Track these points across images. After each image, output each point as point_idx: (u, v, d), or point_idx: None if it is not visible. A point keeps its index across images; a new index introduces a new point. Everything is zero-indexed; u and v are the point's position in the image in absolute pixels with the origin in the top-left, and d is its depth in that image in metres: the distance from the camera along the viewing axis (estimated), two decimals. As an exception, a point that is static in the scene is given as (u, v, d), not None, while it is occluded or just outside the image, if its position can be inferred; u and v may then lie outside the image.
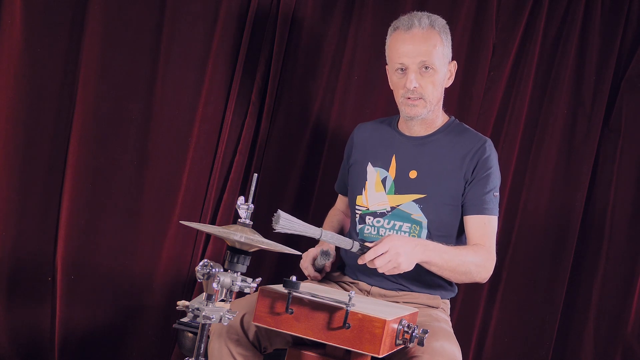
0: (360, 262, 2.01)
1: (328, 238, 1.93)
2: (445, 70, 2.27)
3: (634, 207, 2.80)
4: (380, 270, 2.00)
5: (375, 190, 2.30)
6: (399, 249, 1.98)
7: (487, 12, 2.82)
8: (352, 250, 2.00)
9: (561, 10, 2.82)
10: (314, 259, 2.28)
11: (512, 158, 2.82)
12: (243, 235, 1.63)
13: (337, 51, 2.88)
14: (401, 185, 2.27)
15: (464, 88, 2.84)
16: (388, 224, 2.27)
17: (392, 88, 2.33)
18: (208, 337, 1.89)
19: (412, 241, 2.07)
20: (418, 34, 2.21)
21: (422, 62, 2.21)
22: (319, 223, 2.53)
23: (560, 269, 2.81)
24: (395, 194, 2.27)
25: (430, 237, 2.23)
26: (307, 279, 2.31)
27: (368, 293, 2.27)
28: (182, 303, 1.67)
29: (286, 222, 1.76)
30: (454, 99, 2.78)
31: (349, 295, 1.73)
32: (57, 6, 2.73)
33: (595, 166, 2.83)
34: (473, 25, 2.83)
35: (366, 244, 2.03)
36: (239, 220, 1.69)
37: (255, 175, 1.79)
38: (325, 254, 2.26)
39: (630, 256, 2.79)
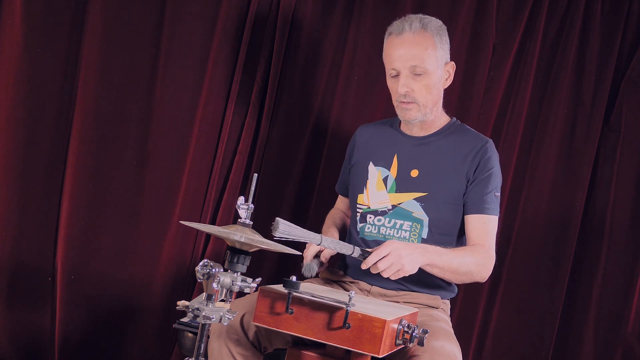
0: (363, 267, 2.02)
1: (328, 244, 1.93)
2: (440, 73, 2.27)
3: (634, 207, 2.80)
4: (384, 274, 2.01)
5: (377, 189, 2.31)
6: (400, 250, 2.00)
7: (487, 12, 2.81)
8: (353, 255, 2.01)
9: (561, 10, 2.82)
10: (315, 256, 2.22)
11: (512, 158, 2.82)
12: (243, 235, 1.63)
13: (337, 51, 2.88)
14: (402, 184, 2.28)
15: (464, 88, 2.84)
16: (389, 222, 2.28)
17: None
18: (208, 337, 1.89)
19: (411, 245, 2.11)
20: (408, 38, 2.21)
21: (412, 67, 2.21)
22: (319, 223, 2.55)
23: (560, 269, 2.81)
24: (396, 192, 2.28)
25: (431, 235, 2.24)
26: (307, 279, 2.31)
27: (368, 292, 2.27)
28: (182, 303, 1.67)
29: (285, 228, 1.77)
30: (453, 99, 2.78)
31: (349, 295, 1.73)
32: (57, 6, 2.73)
33: (595, 166, 2.83)
34: (473, 25, 2.83)
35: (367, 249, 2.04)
36: (239, 220, 1.70)
37: (255, 175, 1.79)
38: (316, 261, 2.21)
39: (630, 256, 2.79)
